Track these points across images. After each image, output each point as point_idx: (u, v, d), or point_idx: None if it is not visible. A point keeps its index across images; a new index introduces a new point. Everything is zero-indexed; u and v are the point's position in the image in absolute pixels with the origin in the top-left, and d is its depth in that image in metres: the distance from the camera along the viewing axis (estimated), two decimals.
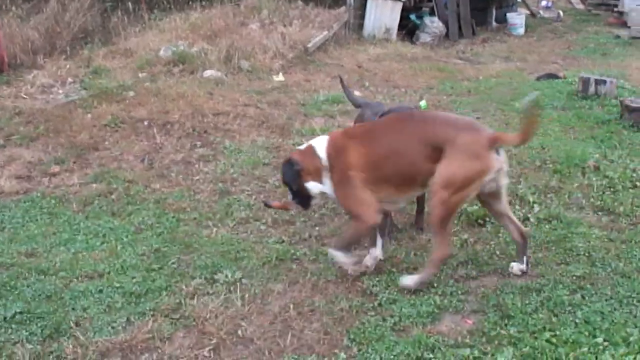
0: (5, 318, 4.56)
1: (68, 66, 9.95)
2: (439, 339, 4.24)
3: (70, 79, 9.43)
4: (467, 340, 4.23)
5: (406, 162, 4.58)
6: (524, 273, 4.90)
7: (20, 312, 4.61)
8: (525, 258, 4.90)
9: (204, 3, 12.22)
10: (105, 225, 6.06)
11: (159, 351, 4.29)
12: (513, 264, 4.96)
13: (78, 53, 10.42)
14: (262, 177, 7.07)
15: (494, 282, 4.94)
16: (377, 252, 5.10)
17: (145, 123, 8.22)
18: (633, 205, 6.12)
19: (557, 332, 4.19)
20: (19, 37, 10.28)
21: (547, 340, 4.10)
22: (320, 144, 4.86)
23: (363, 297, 4.81)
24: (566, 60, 12.11)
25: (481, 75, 10.96)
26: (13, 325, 4.47)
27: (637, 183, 6.64)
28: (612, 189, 6.53)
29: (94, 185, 6.86)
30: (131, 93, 9.01)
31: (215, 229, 5.95)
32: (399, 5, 14.17)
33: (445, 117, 4.87)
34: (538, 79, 10.80)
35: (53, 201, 6.53)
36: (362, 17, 14.34)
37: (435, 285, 4.87)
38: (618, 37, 14.49)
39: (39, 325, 4.47)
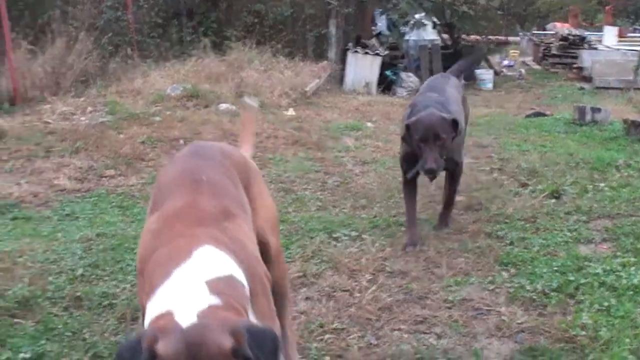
0: None
1: (83, 99, 9.96)
2: (589, 255, 4.53)
3: (90, 108, 9.44)
4: (619, 253, 4.54)
5: None
6: None
7: None
8: None
9: (193, 56, 12.52)
10: None
11: (316, 285, 4.39)
12: None
13: (83, 93, 10.45)
14: (318, 179, 7.19)
15: (606, 223, 5.31)
16: None
17: (181, 142, 8.29)
18: None
19: None
20: (28, 73, 10.31)
21: None
22: None
23: (491, 240, 5.04)
24: (542, 107, 12.84)
25: (473, 116, 11.33)
26: None
27: None
28: None
29: None
30: (157, 118, 9.09)
31: (298, 214, 6.03)
32: (378, 60, 14.79)
33: None
34: (527, 116, 11.41)
35: (120, 197, 6.51)
36: (343, 70, 14.92)
37: (556, 225, 5.21)
38: (582, 88, 15.49)
39: None
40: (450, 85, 5.67)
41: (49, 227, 5.64)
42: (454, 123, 4.84)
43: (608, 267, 4.26)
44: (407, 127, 4.90)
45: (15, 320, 3.87)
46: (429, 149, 4.74)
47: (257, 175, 3.18)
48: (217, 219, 2.47)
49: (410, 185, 5.23)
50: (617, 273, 4.18)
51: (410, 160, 5.05)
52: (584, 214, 5.49)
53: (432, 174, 4.90)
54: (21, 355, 3.49)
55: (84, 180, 7.01)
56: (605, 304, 3.81)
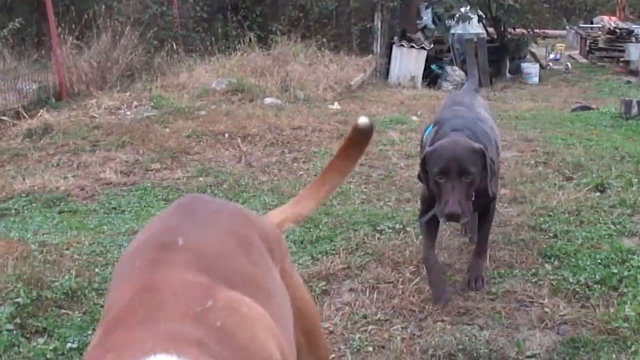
0: None
1: (128, 93, 10.14)
2: (632, 248, 4.49)
3: (135, 102, 9.60)
4: None
5: None
6: None
7: None
8: None
9: (238, 50, 12.65)
10: None
11: (361, 277, 4.42)
12: None
13: (129, 87, 10.64)
14: (362, 172, 7.18)
15: None
16: None
17: (226, 135, 8.37)
18: None
19: None
20: (74, 68, 10.54)
21: None
22: None
23: (534, 232, 5.01)
24: (588, 100, 12.69)
25: (518, 109, 11.42)
26: None
27: None
28: None
29: (201, 178, 6.94)
30: (203, 112, 9.21)
31: (343, 207, 6.02)
32: (424, 54, 14.80)
33: None
34: (573, 110, 11.27)
35: (165, 190, 6.59)
36: (388, 64, 14.94)
37: (600, 219, 5.18)
38: (629, 82, 15.30)
39: None
40: (479, 103, 4.89)
41: (95, 220, 5.77)
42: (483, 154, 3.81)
43: None
44: (424, 160, 3.92)
45: (63, 311, 3.97)
46: (451, 186, 3.70)
47: (289, 259, 2.24)
48: (192, 297, 1.53)
49: (430, 224, 4.15)
50: None
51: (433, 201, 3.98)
52: (629, 208, 5.44)
53: (454, 221, 3.94)
54: (68, 345, 3.57)
55: (129, 173, 7.14)
56: None
